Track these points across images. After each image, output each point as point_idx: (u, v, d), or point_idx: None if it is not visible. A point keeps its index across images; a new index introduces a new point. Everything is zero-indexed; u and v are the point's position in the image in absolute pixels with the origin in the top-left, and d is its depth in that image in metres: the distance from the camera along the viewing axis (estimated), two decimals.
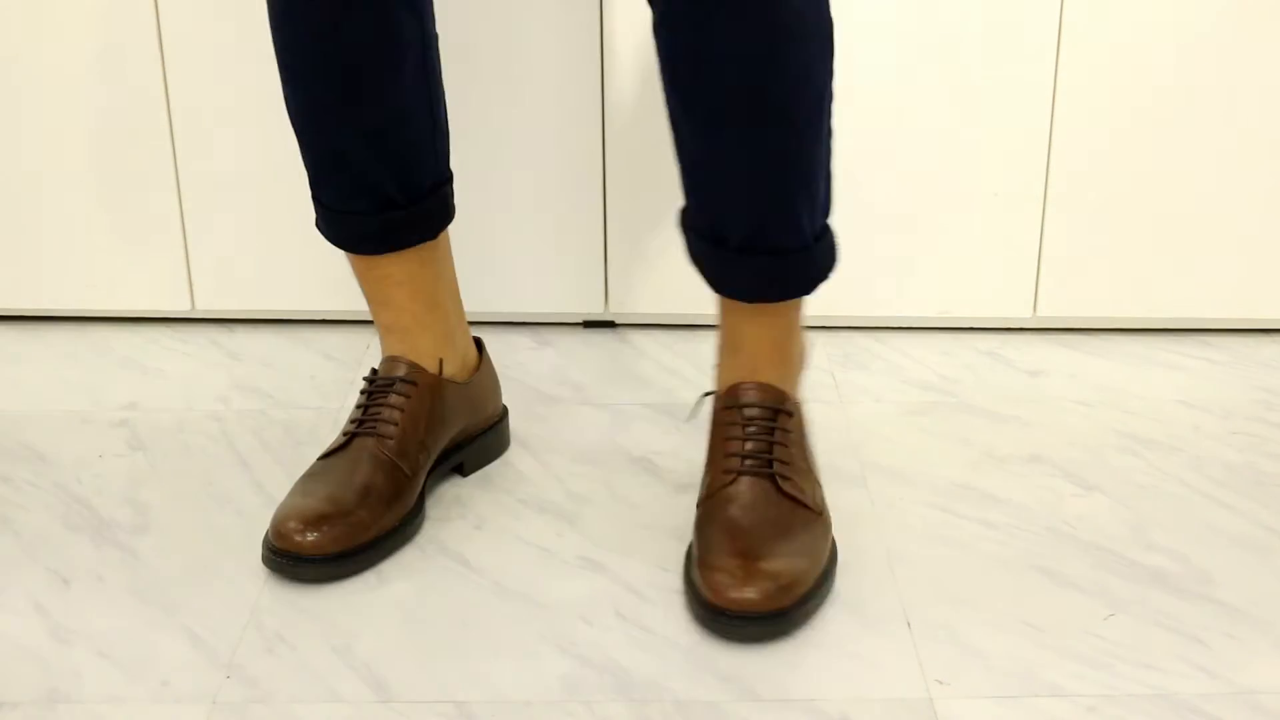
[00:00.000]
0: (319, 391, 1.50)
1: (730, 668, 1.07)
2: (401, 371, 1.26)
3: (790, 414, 1.18)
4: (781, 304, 1.18)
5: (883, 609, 1.14)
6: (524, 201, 1.59)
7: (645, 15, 1.52)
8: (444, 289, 1.30)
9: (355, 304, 1.64)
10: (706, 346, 1.59)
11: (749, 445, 1.16)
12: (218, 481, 1.33)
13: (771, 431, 1.17)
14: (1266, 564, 1.21)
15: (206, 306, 1.65)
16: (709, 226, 1.17)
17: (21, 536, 1.24)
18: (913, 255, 1.59)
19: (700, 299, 1.62)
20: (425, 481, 1.27)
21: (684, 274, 1.61)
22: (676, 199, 1.59)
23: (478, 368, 1.34)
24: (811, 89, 1.11)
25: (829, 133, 1.15)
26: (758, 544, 1.12)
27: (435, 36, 1.24)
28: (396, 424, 1.23)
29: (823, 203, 1.16)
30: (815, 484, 1.19)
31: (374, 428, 1.23)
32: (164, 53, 1.54)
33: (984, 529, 1.25)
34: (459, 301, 1.33)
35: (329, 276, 1.63)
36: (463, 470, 1.34)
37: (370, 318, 1.64)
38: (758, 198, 1.13)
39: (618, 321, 1.66)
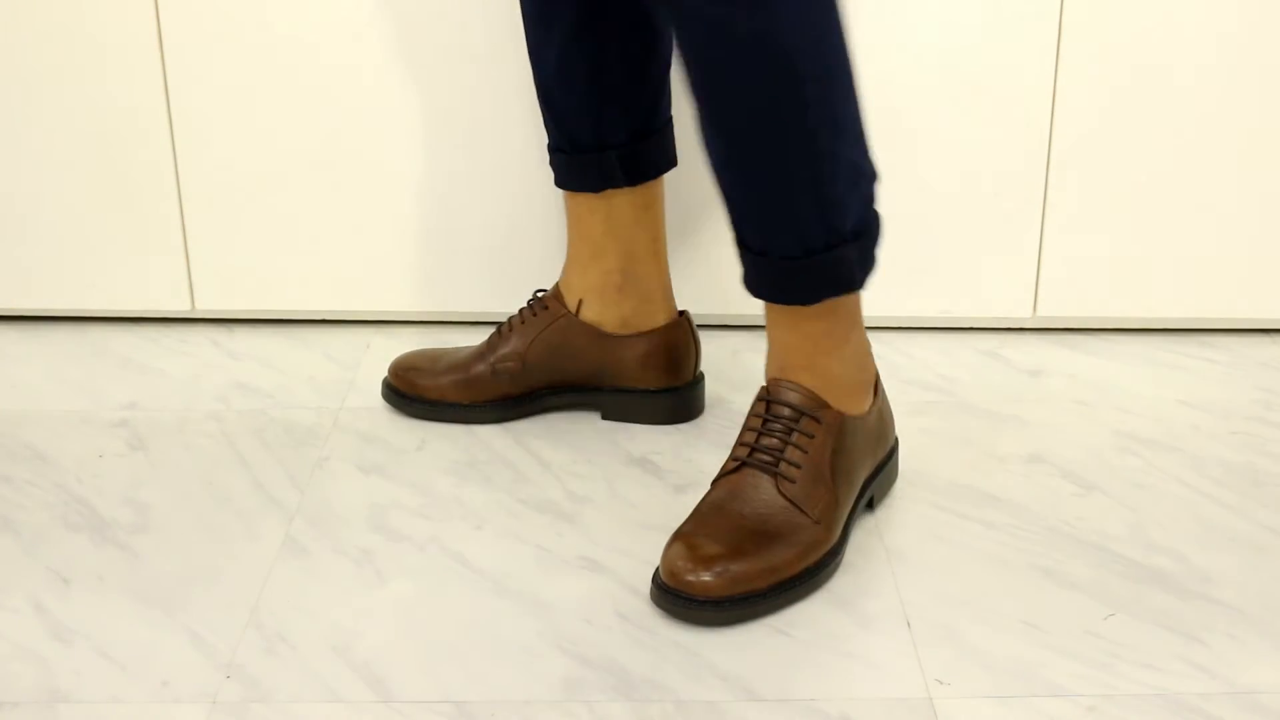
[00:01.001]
0: (319, 391, 1.50)
1: (730, 668, 1.07)
2: (537, 299, 1.42)
3: (818, 420, 1.17)
4: (792, 310, 1.16)
5: (883, 609, 1.14)
6: (526, 202, 1.59)
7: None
8: (613, 241, 1.37)
9: (355, 304, 1.64)
10: (706, 347, 1.59)
11: (763, 440, 1.17)
12: (218, 481, 1.33)
13: (790, 433, 1.17)
14: (1266, 564, 1.21)
15: (206, 306, 1.65)
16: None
17: (21, 536, 1.24)
18: (912, 255, 1.59)
19: (698, 299, 1.62)
20: (526, 404, 1.43)
21: (683, 274, 1.61)
22: (676, 198, 1.59)
23: (658, 332, 1.40)
24: (764, 97, 1.07)
25: (819, 151, 1.09)
26: (727, 532, 1.12)
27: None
28: (510, 332, 1.41)
29: (827, 220, 1.12)
30: (830, 498, 1.17)
31: (499, 331, 1.43)
32: (164, 53, 1.54)
33: (984, 529, 1.25)
34: (647, 261, 1.39)
35: (329, 276, 1.63)
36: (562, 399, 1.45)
37: (370, 318, 1.65)
38: (732, 198, 1.14)
39: None
